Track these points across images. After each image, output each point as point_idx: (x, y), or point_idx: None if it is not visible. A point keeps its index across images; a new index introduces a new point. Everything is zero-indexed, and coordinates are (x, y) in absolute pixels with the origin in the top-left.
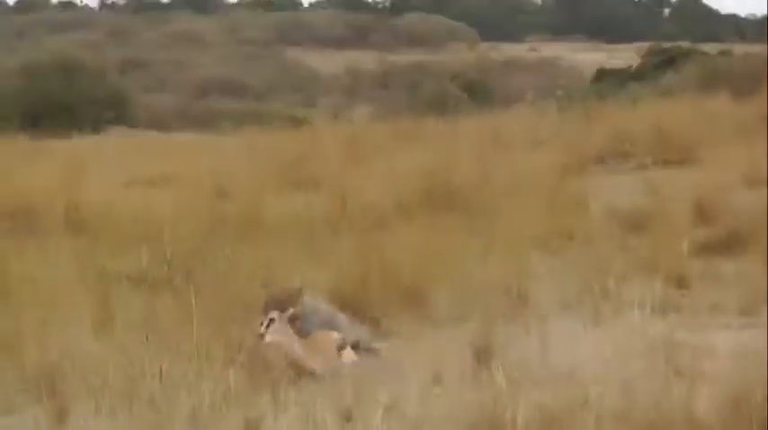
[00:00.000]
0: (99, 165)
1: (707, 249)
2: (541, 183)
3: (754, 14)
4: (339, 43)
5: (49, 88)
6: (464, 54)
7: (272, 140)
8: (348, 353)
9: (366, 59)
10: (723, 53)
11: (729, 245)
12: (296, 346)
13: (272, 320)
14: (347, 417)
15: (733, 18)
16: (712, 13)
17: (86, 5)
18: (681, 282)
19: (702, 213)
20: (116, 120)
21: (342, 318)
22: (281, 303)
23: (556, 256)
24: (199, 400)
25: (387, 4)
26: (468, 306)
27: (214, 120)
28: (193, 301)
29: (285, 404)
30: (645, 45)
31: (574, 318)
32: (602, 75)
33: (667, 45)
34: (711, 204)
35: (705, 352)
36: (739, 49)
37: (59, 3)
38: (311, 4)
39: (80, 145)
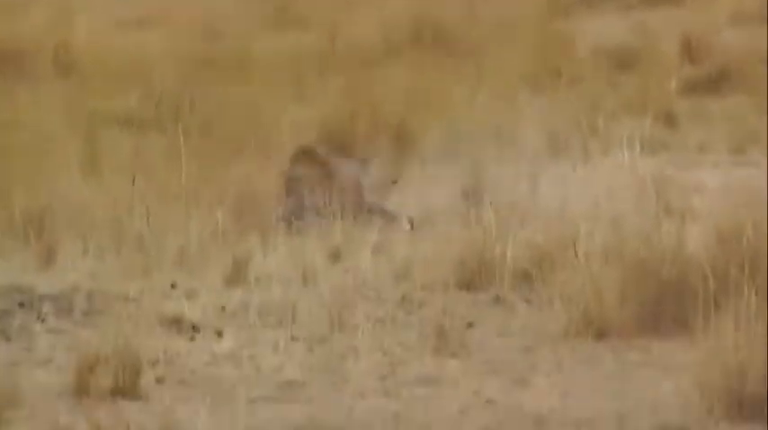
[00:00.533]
0: (89, 7)
1: (695, 88)
2: (528, 22)
3: None
4: None
5: None
6: None
7: None
8: None
9: None
10: None
11: (717, 83)
12: None
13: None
14: (336, 257)
15: None
16: None
17: None
18: (669, 121)
19: (690, 52)
20: None
21: None
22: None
23: (544, 96)
24: (186, 241)
25: None
26: (456, 145)
27: None
28: (182, 142)
29: (274, 244)
30: None
31: (563, 156)
32: None
33: None
34: (699, 43)
35: (695, 190)
36: None
37: None
38: None
39: None
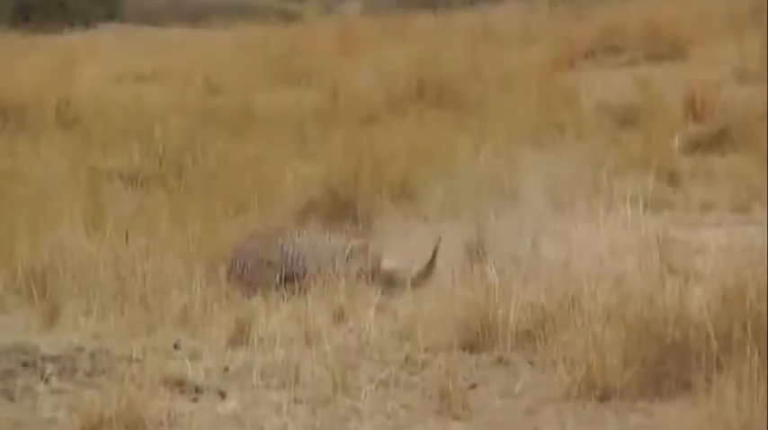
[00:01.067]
0: (90, 61)
1: (698, 146)
2: (532, 78)
3: None
4: None
5: None
6: None
7: (264, 35)
8: None
9: None
10: None
11: (721, 141)
12: None
13: None
14: (339, 316)
15: None
16: None
17: None
18: (673, 179)
19: (694, 109)
20: (108, 16)
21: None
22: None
23: (547, 151)
24: (190, 300)
25: None
26: (459, 202)
27: (206, 14)
28: (185, 199)
29: (277, 304)
30: None
31: (566, 213)
32: None
33: None
34: (703, 100)
35: (698, 249)
36: None
37: None
38: None
39: (72, 41)
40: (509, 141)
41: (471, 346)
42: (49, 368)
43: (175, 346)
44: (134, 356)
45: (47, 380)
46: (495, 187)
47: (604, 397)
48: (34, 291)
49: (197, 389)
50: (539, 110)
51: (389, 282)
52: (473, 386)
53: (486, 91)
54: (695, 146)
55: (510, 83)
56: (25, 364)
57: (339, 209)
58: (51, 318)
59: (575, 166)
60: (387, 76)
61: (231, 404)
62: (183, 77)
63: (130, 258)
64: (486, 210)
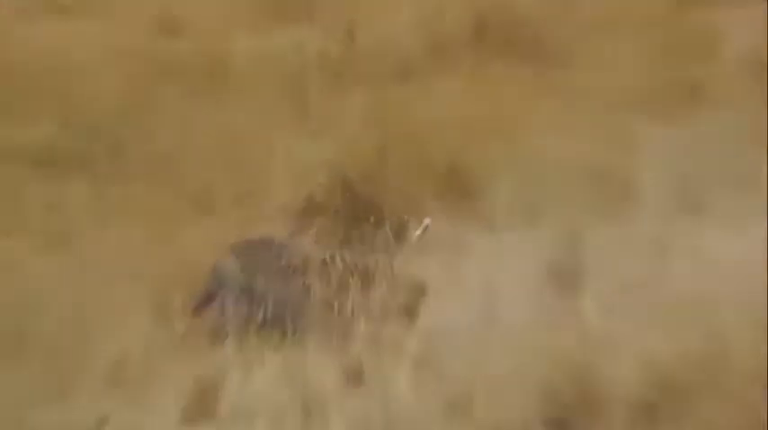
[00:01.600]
0: None
1: None
2: (647, 15)
3: None
4: None
5: None
6: None
7: None
8: None
9: None
10: None
11: None
12: None
13: None
14: (356, 376)
15: None
16: None
17: None
18: None
19: None
20: None
21: None
22: None
23: (672, 125)
24: (126, 348)
25: None
26: (540, 201)
27: None
28: (123, 191)
29: (260, 355)
30: None
31: (703, 218)
32: None
33: None
34: None
35: None
36: None
37: None
38: None
39: None
40: (614, 109)
41: (560, 423)
42: None
43: (101, 421)
44: None
45: None
46: (595, 179)
47: None
48: None
49: None
50: (659, 63)
51: None
52: None
53: (579, 34)
54: None
55: (614, 22)
56: None
57: (356, 209)
58: None
59: (715, 147)
60: (428, 11)
61: None
62: (127, 11)
63: (35, 282)
64: (582, 213)
